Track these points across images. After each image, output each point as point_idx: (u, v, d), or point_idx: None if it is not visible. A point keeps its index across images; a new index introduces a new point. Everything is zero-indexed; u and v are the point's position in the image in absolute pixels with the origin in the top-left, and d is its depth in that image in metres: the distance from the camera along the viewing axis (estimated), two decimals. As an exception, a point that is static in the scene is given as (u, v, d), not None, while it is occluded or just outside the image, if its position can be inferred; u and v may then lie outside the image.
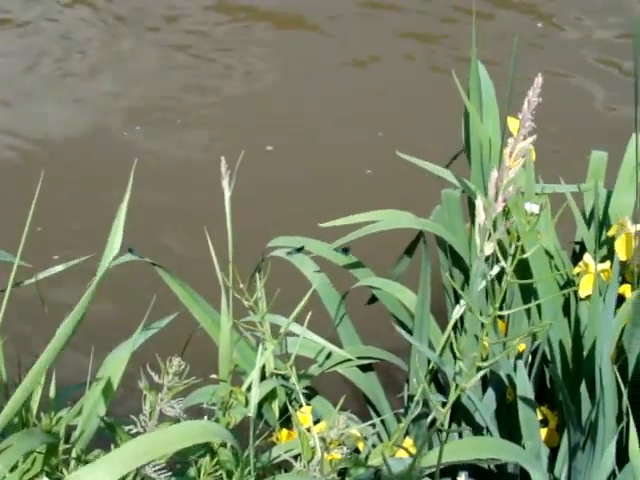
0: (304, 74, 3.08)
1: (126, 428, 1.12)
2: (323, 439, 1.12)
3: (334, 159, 2.71)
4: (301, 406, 1.35)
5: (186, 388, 1.29)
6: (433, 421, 1.34)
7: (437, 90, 2.83)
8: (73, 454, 1.12)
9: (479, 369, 0.99)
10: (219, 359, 1.33)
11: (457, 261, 1.46)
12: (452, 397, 0.96)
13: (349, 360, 1.40)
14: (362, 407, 1.52)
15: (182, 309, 1.40)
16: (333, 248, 1.47)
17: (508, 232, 1.37)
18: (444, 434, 1.40)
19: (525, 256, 0.94)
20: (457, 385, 0.96)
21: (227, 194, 1.26)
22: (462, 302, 1.17)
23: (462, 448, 1.25)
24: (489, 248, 0.93)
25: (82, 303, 0.95)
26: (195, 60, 3.13)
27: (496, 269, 0.95)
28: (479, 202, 0.92)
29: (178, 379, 1.12)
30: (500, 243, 1.37)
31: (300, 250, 1.51)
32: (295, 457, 1.18)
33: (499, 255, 0.92)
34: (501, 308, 1.43)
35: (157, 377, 1.11)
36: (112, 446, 1.10)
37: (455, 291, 1.45)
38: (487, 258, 1.08)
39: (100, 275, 1.01)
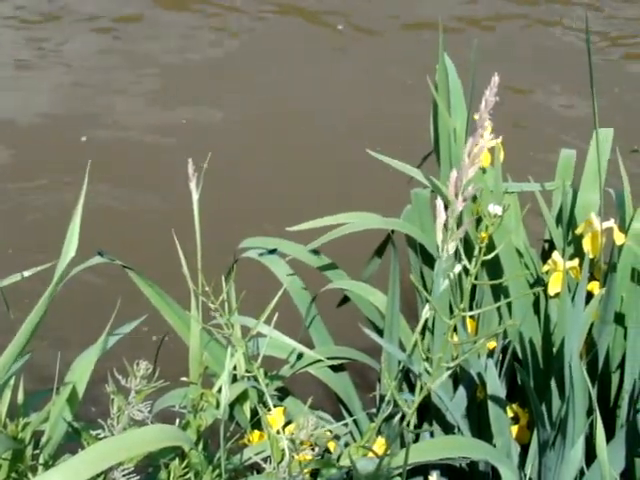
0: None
1: (94, 432, 1.11)
2: (292, 440, 1.10)
3: (303, 159, 2.71)
4: (274, 407, 1.34)
5: (159, 391, 1.28)
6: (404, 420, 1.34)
7: (413, 90, 2.85)
8: (41, 460, 1.10)
9: (449, 369, 0.98)
10: (189, 361, 1.32)
11: (428, 260, 1.46)
12: (418, 398, 0.95)
13: (321, 360, 1.39)
14: (335, 407, 1.52)
15: (155, 312, 1.39)
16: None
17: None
18: (415, 434, 1.40)
19: (488, 257, 0.93)
20: (422, 386, 0.96)
21: (195, 196, 1.24)
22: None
23: (433, 447, 1.24)
24: (451, 248, 0.92)
25: (39, 307, 0.93)
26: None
27: (458, 268, 0.94)
28: (438, 202, 0.91)
29: (147, 382, 1.11)
30: (472, 242, 1.38)
31: (273, 252, 1.50)
32: (266, 459, 1.17)
33: (462, 254, 0.91)
34: (472, 307, 1.44)
35: (125, 381, 1.09)
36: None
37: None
38: (459, 258, 1.07)
39: (56, 280, 0.99)
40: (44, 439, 1.11)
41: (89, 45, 3.21)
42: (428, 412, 1.41)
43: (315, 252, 1.48)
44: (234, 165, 2.67)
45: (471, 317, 1.43)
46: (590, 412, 1.26)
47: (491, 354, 1.39)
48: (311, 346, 1.46)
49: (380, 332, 1.44)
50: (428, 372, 0.97)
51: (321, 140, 2.79)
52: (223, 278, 1.14)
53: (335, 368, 1.45)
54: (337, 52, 3.20)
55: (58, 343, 1.27)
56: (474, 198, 1.43)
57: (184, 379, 1.30)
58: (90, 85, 3.00)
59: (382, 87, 3.03)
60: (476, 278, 1.38)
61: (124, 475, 1.08)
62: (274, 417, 1.27)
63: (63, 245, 1.07)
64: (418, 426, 1.42)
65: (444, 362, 0.94)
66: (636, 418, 1.25)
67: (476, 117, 0.91)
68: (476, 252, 0.94)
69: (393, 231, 1.46)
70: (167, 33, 3.28)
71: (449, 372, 0.95)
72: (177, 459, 1.17)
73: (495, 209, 0.90)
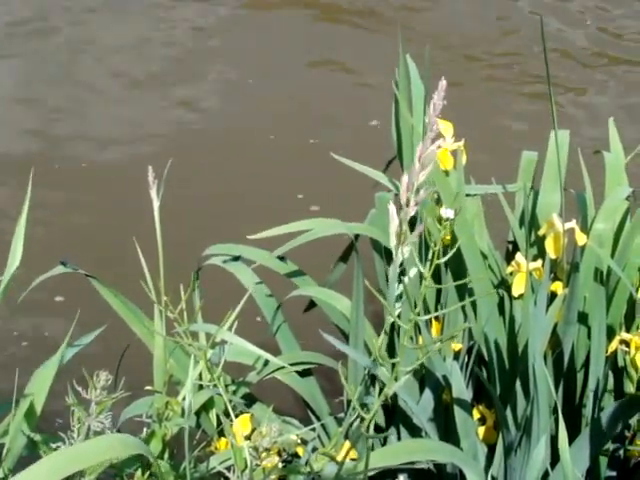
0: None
1: (54, 445, 1.09)
2: (255, 448, 1.08)
3: (265, 166, 2.70)
4: (242, 414, 1.33)
5: (127, 400, 1.26)
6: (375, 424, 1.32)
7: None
8: (0, 473, 1.08)
9: (407, 373, 0.97)
10: (154, 370, 1.30)
11: (391, 260, 1.44)
12: (377, 402, 0.93)
13: (286, 367, 1.37)
14: (304, 412, 1.50)
15: (120, 321, 1.37)
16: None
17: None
18: (381, 438, 1.39)
19: (443, 260, 0.92)
20: (381, 389, 0.94)
21: (156, 204, 1.22)
22: (397, 305, 1.15)
23: (399, 451, 1.23)
24: (405, 252, 0.90)
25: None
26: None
27: (413, 272, 0.93)
28: (391, 207, 0.90)
29: (107, 393, 1.09)
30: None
31: (237, 259, 1.48)
32: (230, 467, 1.15)
33: (416, 259, 0.90)
34: (437, 309, 1.43)
35: (85, 392, 1.07)
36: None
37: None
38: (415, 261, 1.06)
39: (2, 289, 0.97)
40: (4, 452, 1.09)
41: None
42: (396, 416, 1.40)
43: (281, 258, 1.47)
44: (197, 174, 2.66)
45: (437, 320, 1.42)
46: (556, 412, 1.26)
47: (457, 356, 1.38)
48: (278, 352, 1.44)
49: (347, 337, 1.42)
50: (395, 378, 0.96)
51: (283, 146, 2.78)
52: (181, 287, 1.12)
53: (302, 373, 1.43)
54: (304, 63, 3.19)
55: (17, 356, 1.25)
56: (437, 200, 1.42)
57: (149, 388, 1.28)
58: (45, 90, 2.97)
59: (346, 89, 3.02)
60: (439, 281, 1.39)
61: (86, 487, 1.06)
62: (240, 425, 1.25)
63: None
64: (386, 430, 1.41)
65: (403, 366, 0.93)
66: (600, 416, 1.24)
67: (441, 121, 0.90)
68: (430, 256, 0.93)
69: (357, 236, 1.45)
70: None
71: (407, 376, 0.94)
72: (140, 469, 1.15)
73: (447, 213, 0.89)
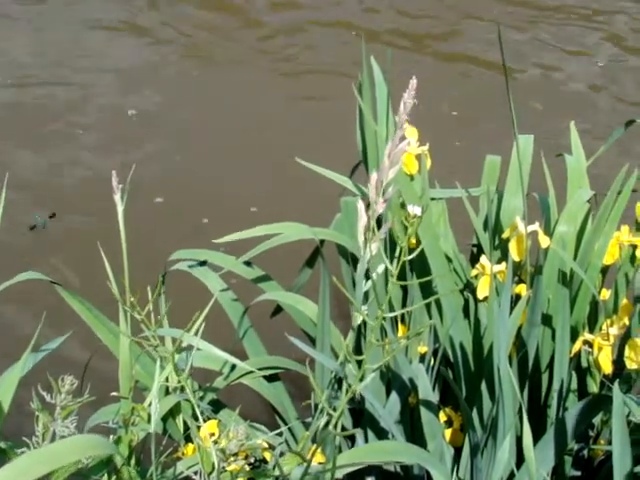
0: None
1: (19, 451, 1.07)
2: (223, 450, 1.08)
3: (231, 170, 2.69)
4: (209, 419, 1.32)
5: (93, 407, 1.25)
6: (342, 428, 1.32)
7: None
8: (-37, 481, 1.06)
9: (373, 371, 0.97)
10: (119, 375, 1.29)
11: (357, 264, 1.45)
12: (343, 400, 0.93)
13: (253, 371, 1.37)
14: (272, 417, 1.50)
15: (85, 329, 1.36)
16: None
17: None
18: (350, 441, 1.39)
19: (411, 257, 0.93)
20: (348, 388, 0.94)
21: (120, 208, 1.22)
22: (363, 307, 1.15)
23: (366, 452, 1.22)
24: (373, 248, 0.91)
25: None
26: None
27: (380, 269, 0.94)
28: (360, 204, 0.91)
29: (72, 398, 1.08)
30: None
31: (203, 264, 1.47)
32: (197, 472, 1.14)
33: (383, 255, 0.91)
34: (404, 313, 1.44)
35: (49, 397, 1.06)
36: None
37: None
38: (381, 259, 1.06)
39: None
40: (-32, 459, 1.07)
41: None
42: (362, 418, 1.40)
43: (247, 263, 1.47)
44: (163, 178, 2.65)
45: (402, 322, 1.42)
46: (520, 413, 1.26)
47: (422, 359, 1.39)
48: (245, 357, 1.44)
49: (314, 341, 1.42)
50: (359, 377, 0.96)
51: (251, 152, 2.78)
52: (149, 289, 1.12)
53: (270, 378, 1.43)
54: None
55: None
56: (402, 205, 1.43)
57: (114, 394, 1.27)
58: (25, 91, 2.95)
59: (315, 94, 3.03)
60: (405, 281, 1.39)
61: (51, 493, 1.05)
62: (207, 430, 1.25)
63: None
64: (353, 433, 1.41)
65: (369, 364, 0.93)
66: (564, 416, 1.25)
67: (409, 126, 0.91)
68: (397, 252, 0.94)
69: (323, 241, 1.45)
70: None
71: (374, 374, 0.94)
72: (106, 475, 1.14)
73: (415, 209, 0.90)
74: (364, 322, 1.37)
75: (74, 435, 1.04)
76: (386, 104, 1.41)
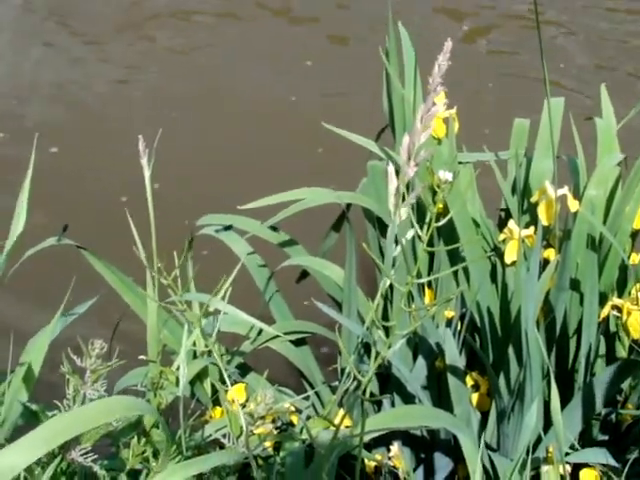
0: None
1: (51, 414, 1.09)
2: (251, 414, 1.09)
3: (255, 137, 2.68)
4: (236, 383, 1.33)
5: (121, 371, 1.26)
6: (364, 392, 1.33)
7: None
8: (-2, 442, 1.08)
9: (403, 337, 0.97)
10: (147, 339, 1.30)
11: (385, 233, 1.44)
12: (373, 366, 0.93)
13: (280, 335, 1.37)
14: (299, 381, 1.50)
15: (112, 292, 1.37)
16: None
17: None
18: (376, 405, 1.39)
19: (441, 224, 0.92)
20: (377, 355, 0.94)
21: (147, 173, 1.22)
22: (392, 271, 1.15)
23: (392, 417, 1.23)
24: (403, 213, 0.91)
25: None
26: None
27: (410, 234, 0.93)
28: (389, 168, 0.90)
29: (102, 362, 1.09)
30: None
31: (229, 228, 1.48)
32: (226, 435, 1.15)
33: (413, 221, 0.90)
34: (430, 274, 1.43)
35: (80, 360, 1.07)
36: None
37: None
38: (411, 224, 1.06)
39: (5, 255, 0.96)
40: (0, 421, 1.09)
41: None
42: (389, 383, 1.40)
43: (273, 228, 1.47)
44: (187, 146, 2.65)
45: (429, 287, 1.42)
46: (548, 378, 1.26)
47: (449, 324, 1.39)
48: (272, 321, 1.44)
49: (340, 306, 1.42)
50: (388, 344, 0.96)
51: (274, 114, 2.77)
52: (175, 254, 1.12)
53: (296, 342, 1.44)
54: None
55: (12, 326, 1.25)
56: (429, 170, 1.42)
57: (143, 357, 1.28)
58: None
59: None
60: (432, 247, 1.38)
61: (82, 455, 1.06)
62: (235, 393, 1.26)
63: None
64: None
65: (398, 330, 0.93)
66: (592, 381, 1.25)
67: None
68: (428, 219, 0.93)
69: (349, 206, 1.44)
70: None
71: (403, 340, 0.94)
72: (136, 438, 1.15)
73: (446, 175, 0.89)
74: (390, 287, 1.36)
75: (104, 397, 1.05)
76: (414, 68, 1.39)
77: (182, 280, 1.24)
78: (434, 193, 1.37)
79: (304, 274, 1.51)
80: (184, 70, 2.98)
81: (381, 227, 1.45)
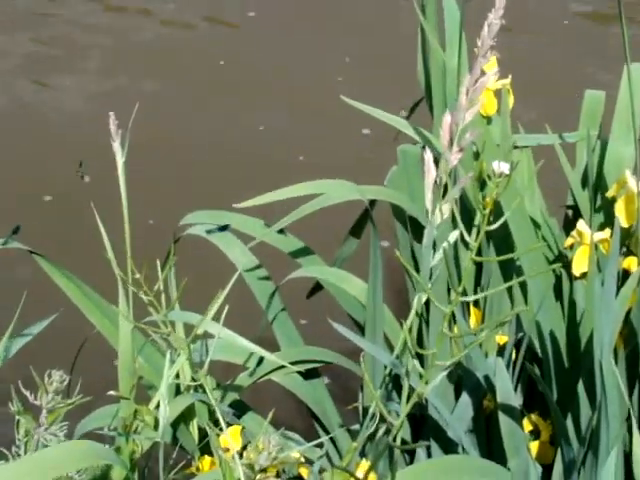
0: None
1: (-4, 463, 1.09)
2: (250, 466, 1.08)
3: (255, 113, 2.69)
4: (229, 425, 1.33)
5: (82, 409, 1.26)
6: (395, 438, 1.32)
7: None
8: None
9: (445, 369, 0.97)
10: (119, 370, 1.30)
11: (420, 235, 1.44)
12: (405, 406, 0.93)
13: (287, 365, 1.37)
14: (308, 423, 1.51)
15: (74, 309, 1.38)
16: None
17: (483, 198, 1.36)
18: (408, 455, 1.39)
19: (493, 227, 0.91)
20: (411, 391, 0.94)
21: (120, 160, 1.21)
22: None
23: (429, 470, 1.24)
24: (444, 210, 0.90)
25: None
26: None
27: (453, 236, 0.93)
28: (427, 155, 0.90)
29: (62, 398, 1.09)
30: (473, 210, 1.36)
31: (224, 229, 1.48)
32: (218, 491, 1.15)
33: (459, 220, 0.90)
34: (476, 291, 1.43)
35: (33, 397, 1.07)
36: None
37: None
38: (455, 224, 1.05)
39: None
40: None
41: None
42: (425, 427, 1.40)
43: (279, 231, 1.47)
44: (173, 129, 2.65)
45: (475, 304, 1.42)
46: (629, 422, 1.26)
47: (502, 352, 1.39)
48: (275, 347, 1.45)
49: (362, 328, 1.42)
50: (421, 375, 0.95)
51: (281, 84, 2.79)
52: (158, 263, 1.12)
53: (307, 374, 1.44)
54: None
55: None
56: (476, 155, 1.42)
57: (112, 393, 1.28)
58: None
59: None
60: (480, 255, 1.38)
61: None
62: (228, 438, 1.25)
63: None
64: (412, 443, 1.41)
65: (439, 361, 0.92)
66: (686, 427, 1.24)
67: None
68: (477, 220, 0.93)
69: (374, 202, 1.44)
70: None
71: (444, 373, 0.93)
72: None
73: (501, 167, 0.89)
74: (427, 305, 1.37)
75: (63, 443, 1.05)
76: (458, 28, 1.39)
77: (164, 295, 1.24)
78: (482, 185, 1.37)
79: (317, 288, 1.51)
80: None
81: (415, 229, 1.45)
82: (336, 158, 2.52)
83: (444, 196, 0.95)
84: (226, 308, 1.18)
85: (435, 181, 0.98)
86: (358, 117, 1.51)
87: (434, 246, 1.08)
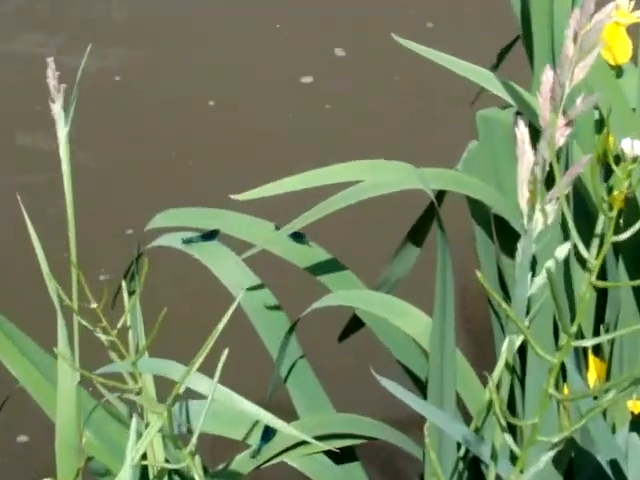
0: None
1: None
2: None
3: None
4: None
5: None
6: None
7: None
8: None
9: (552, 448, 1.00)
10: (56, 448, 1.33)
11: (510, 243, 1.46)
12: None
13: (307, 442, 1.40)
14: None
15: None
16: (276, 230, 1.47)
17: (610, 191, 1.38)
18: None
19: (623, 237, 0.93)
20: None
21: (61, 129, 1.25)
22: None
23: None
24: (548, 213, 0.93)
25: None
26: None
27: (563, 251, 0.96)
28: (521, 130, 0.92)
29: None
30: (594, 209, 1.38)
31: (213, 237, 1.50)
32: None
33: (572, 227, 0.93)
34: (597, 331, 1.45)
35: None
36: None
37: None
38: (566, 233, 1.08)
39: None
40: None
41: None
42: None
43: (295, 236, 1.49)
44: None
45: (596, 352, 1.44)
46: None
47: (636, 425, 1.40)
48: (291, 413, 1.47)
49: (422, 384, 1.45)
50: (514, 456, 0.99)
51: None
52: (123, 284, 1.15)
53: (339, 455, 1.46)
54: None
55: None
56: (599, 126, 1.44)
57: (48, 481, 1.32)
58: None
59: None
60: (604, 278, 1.40)
61: None
62: None
63: None
64: None
65: (542, 435, 0.95)
66: None
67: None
68: (600, 226, 0.95)
69: (441, 196, 1.47)
70: None
71: (550, 454, 0.96)
72: None
73: (635, 146, 0.90)
74: (521, 351, 1.38)
75: None
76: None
77: (121, 333, 1.27)
78: (607, 174, 1.39)
79: (354, 324, 1.54)
80: None
81: (503, 236, 1.48)
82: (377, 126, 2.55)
83: (548, 191, 0.96)
84: (225, 352, 1.20)
85: (534, 168, 0.99)
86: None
87: (533, 265, 1.09)
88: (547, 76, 0.92)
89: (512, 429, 1.01)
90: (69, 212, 1.28)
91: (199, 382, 1.27)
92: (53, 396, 1.35)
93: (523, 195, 0.99)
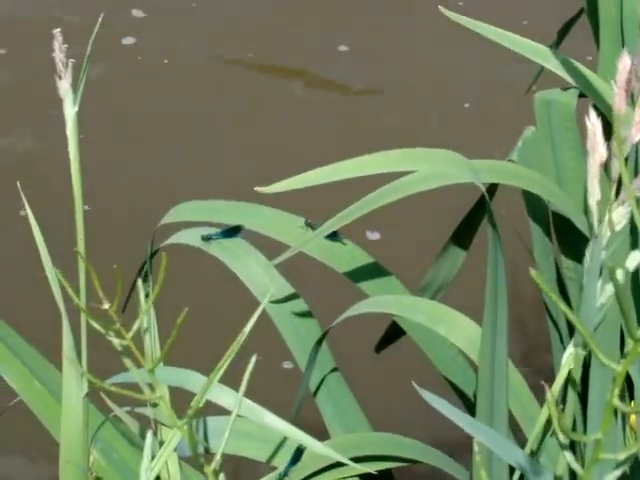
0: None
1: None
2: None
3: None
4: None
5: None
6: None
7: None
8: None
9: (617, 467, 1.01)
10: (60, 469, 1.34)
11: (573, 245, 1.47)
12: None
13: (340, 464, 1.40)
14: None
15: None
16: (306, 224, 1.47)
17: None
18: None
19: None
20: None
21: (69, 110, 1.27)
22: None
23: None
24: (620, 217, 0.94)
25: None
26: None
27: (634, 260, 0.96)
28: (592, 120, 0.93)
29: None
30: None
31: (235, 233, 1.51)
32: None
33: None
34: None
35: None
36: None
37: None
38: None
39: None
40: None
41: None
42: None
43: (331, 235, 1.48)
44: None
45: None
46: None
47: None
48: (321, 432, 1.48)
49: (470, 401, 1.47)
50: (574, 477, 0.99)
51: None
52: (139, 283, 1.16)
53: (375, 479, 1.47)
54: None
55: None
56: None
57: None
58: None
59: None
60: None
61: None
62: None
63: None
64: None
65: (606, 453, 0.96)
66: None
67: None
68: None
69: (493, 190, 1.49)
70: None
71: (617, 474, 0.97)
72: None
73: None
74: (585, 365, 1.38)
75: None
76: None
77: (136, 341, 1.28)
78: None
79: (394, 333, 1.56)
80: None
81: (565, 237, 1.50)
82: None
83: (619, 192, 0.96)
84: (253, 361, 1.20)
85: (605, 165, 0.99)
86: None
87: (601, 273, 1.08)
88: (624, 63, 0.93)
89: (573, 448, 1.01)
90: (77, 203, 1.29)
91: (222, 394, 1.28)
92: (55, 410, 1.37)
93: (594, 194, 1.00)
